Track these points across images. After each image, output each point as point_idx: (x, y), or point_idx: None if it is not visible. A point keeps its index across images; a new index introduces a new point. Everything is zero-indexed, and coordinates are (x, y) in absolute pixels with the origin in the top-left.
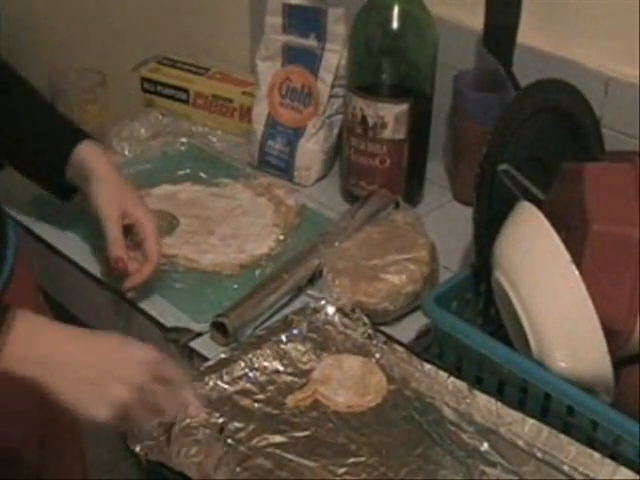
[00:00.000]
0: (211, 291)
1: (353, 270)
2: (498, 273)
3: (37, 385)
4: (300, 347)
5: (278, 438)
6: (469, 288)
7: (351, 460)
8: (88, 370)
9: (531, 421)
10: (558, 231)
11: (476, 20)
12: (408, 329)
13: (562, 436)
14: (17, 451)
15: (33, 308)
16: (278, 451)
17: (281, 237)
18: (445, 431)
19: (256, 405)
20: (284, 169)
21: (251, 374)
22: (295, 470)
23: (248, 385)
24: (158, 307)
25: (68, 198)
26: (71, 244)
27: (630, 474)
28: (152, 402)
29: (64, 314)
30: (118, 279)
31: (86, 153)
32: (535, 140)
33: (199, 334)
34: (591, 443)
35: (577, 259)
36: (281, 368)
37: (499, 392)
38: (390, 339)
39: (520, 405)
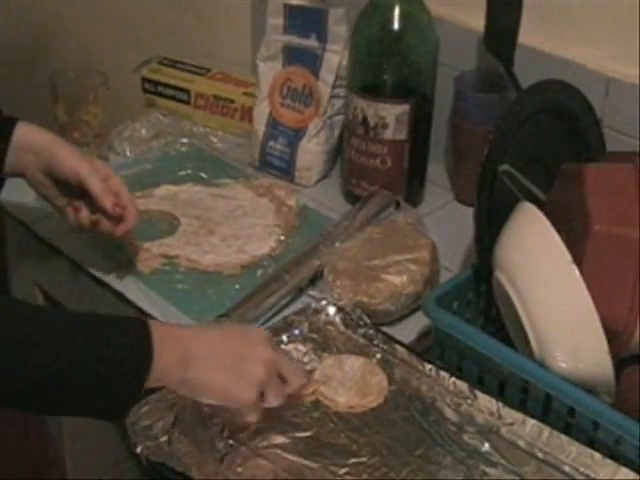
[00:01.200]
0: (212, 292)
1: (354, 270)
2: (499, 273)
3: (182, 389)
4: (301, 347)
5: (279, 438)
6: (470, 288)
7: (352, 460)
8: (224, 357)
9: (532, 421)
10: (559, 231)
11: (477, 21)
12: (409, 330)
13: (563, 436)
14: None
15: None
16: (279, 451)
17: (282, 237)
18: (446, 431)
19: None
20: (285, 170)
21: None
22: (296, 470)
23: None
24: (159, 308)
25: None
26: (71, 244)
27: (631, 474)
28: (282, 375)
29: None
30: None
31: (28, 131)
32: (536, 141)
33: None
34: (592, 443)
35: (578, 259)
36: None
37: (500, 392)
38: (391, 339)
39: (521, 405)
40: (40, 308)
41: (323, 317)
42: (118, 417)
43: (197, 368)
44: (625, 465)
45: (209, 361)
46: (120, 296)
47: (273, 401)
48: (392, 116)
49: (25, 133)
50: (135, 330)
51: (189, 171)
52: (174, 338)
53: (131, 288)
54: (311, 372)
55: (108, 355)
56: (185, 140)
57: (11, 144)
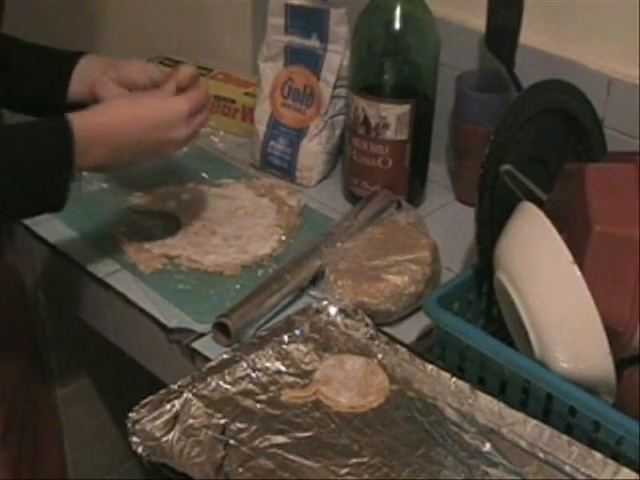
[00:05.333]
0: (213, 292)
1: (355, 271)
2: (500, 274)
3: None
4: (302, 348)
5: (280, 439)
6: (471, 289)
7: (353, 460)
8: (145, 145)
9: (533, 422)
10: (560, 231)
11: (478, 21)
12: (410, 330)
13: (564, 436)
14: None
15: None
16: (280, 452)
17: (283, 238)
18: (447, 432)
19: (258, 406)
20: (286, 170)
21: (253, 375)
22: (297, 471)
23: (250, 386)
24: (160, 308)
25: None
26: (71, 244)
27: (632, 474)
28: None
29: (64, 314)
30: None
31: (92, 59)
32: (537, 141)
33: (201, 335)
34: (593, 444)
35: (579, 259)
36: (283, 369)
37: (501, 392)
38: (392, 339)
39: (522, 406)
40: None
41: (324, 317)
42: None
43: (120, 157)
44: (626, 465)
45: (132, 149)
46: (121, 296)
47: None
48: (393, 116)
49: (87, 62)
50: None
51: (190, 171)
52: (97, 135)
53: (132, 288)
54: (312, 372)
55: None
56: None
57: (74, 72)
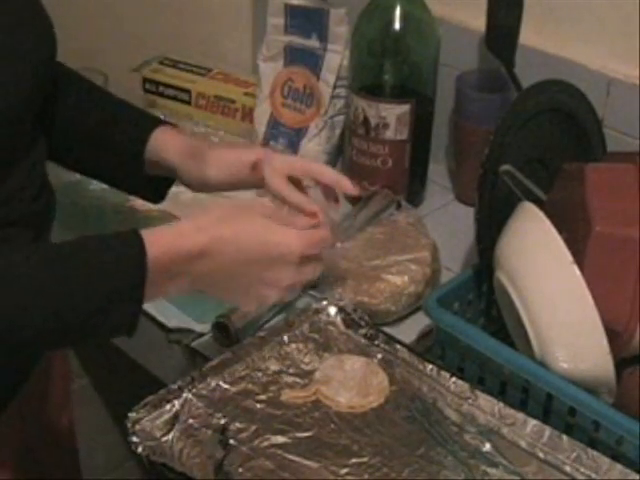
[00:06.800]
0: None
1: (355, 271)
2: (500, 274)
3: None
4: (302, 348)
5: (280, 439)
6: (471, 289)
7: (353, 460)
8: (237, 279)
9: (533, 421)
10: (560, 232)
11: (478, 21)
12: (410, 330)
13: (564, 436)
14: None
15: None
16: (280, 452)
17: None
18: (447, 432)
19: (258, 406)
20: None
21: (253, 375)
22: (297, 471)
23: (250, 386)
24: (160, 308)
25: (158, 198)
26: None
27: (632, 474)
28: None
29: None
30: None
31: (161, 140)
32: (537, 141)
33: (201, 335)
34: (593, 443)
35: (579, 260)
36: (283, 369)
37: (501, 393)
38: (392, 339)
39: (522, 406)
40: (37, 247)
41: (324, 317)
42: (130, 332)
43: (205, 287)
44: (626, 465)
45: (219, 284)
46: None
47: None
48: (393, 116)
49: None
50: (129, 250)
51: None
52: (173, 263)
53: None
54: (312, 372)
55: (104, 282)
56: None
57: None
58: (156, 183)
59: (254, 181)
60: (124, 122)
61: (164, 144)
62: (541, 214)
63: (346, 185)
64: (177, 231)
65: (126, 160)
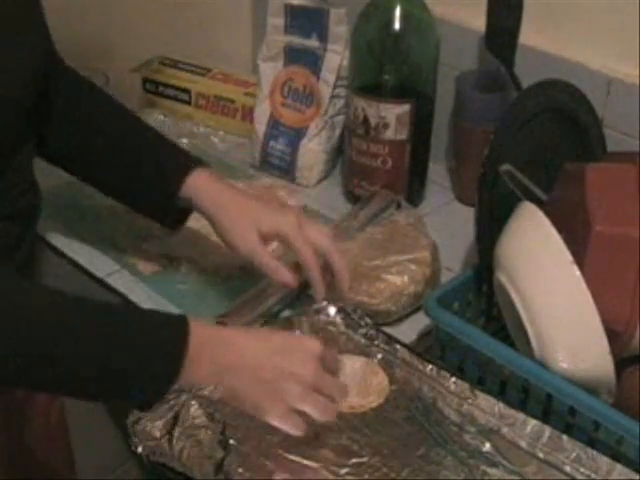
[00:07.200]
0: (213, 292)
1: (355, 271)
2: (500, 274)
3: (214, 394)
4: None
5: (280, 439)
6: (471, 289)
7: (353, 460)
8: (262, 371)
9: (533, 421)
10: (560, 232)
11: (478, 21)
12: (410, 330)
13: (564, 436)
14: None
15: None
16: (280, 452)
17: None
18: (447, 432)
19: None
20: (286, 170)
21: None
22: (297, 471)
23: None
24: (160, 308)
25: (177, 226)
26: (71, 244)
27: (632, 474)
28: (322, 393)
29: None
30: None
31: (195, 185)
32: (537, 141)
33: None
34: (593, 443)
35: (579, 260)
36: None
37: (501, 393)
38: (392, 339)
39: (522, 405)
40: (85, 299)
41: (324, 317)
42: (146, 406)
43: (231, 379)
44: (626, 465)
45: (245, 373)
46: (122, 297)
47: (317, 417)
48: (393, 116)
49: (191, 185)
50: (173, 333)
51: None
52: (212, 346)
53: (132, 288)
54: None
55: (141, 353)
56: (186, 141)
57: (180, 192)
58: (177, 214)
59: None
60: (161, 156)
61: (199, 192)
62: (541, 214)
63: (343, 284)
64: None
65: (157, 197)
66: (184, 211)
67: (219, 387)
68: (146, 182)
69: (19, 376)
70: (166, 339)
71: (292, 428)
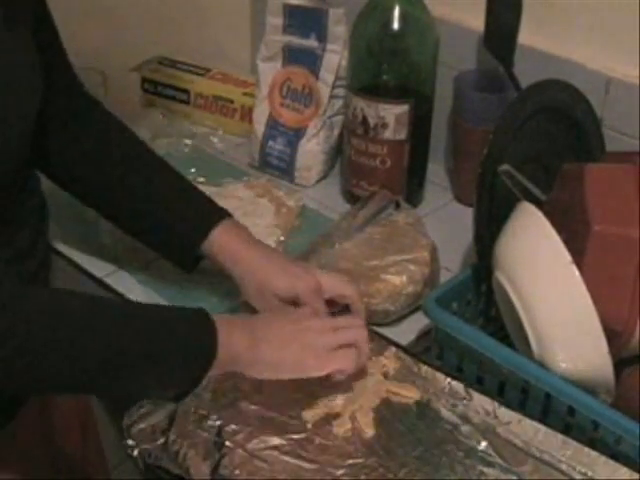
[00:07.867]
0: (213, 292)
1: (354, 271)
2: (499, 273)
3: (252, 371)
4: None
5: (276, 440)
6: (470, 289)
7: (349, 462)
8: (284, 334)
9: (528, 421)
10: (559, 232)
11: (477, 21)
12: (409, 330)
13: (559, 435)
14: (62, 443)
15: None
16: (276, 453)
17: (282, 238)
18: (442, 432)
19: (253, 408)
20: (285, 170)
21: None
22: (293, 472)
23: (246, 387)
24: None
25: (193, 268)
26: (70, 244)
27: (630, 473)
28: (347, 339)
29: None
30: None
31: (218, 242)
32: (536, 140)
33: None
34: (592, 443)
35: (578, 259)
36: None
37: (500, 392)
38: (387, 341)
39: (521, 405)
40: (106, 299)
41: None
42: (181, 397)
43: (266, 349)
44: (625, 464)
45: (274, 341)
46: (121, 296)
47: (353, 340)
48: (392, 116)
49: (217, 240)
50: (199, 319)
51: (190, 171)
52: (237, 324)
53: (131, 288)
54: None
55: (172, 344)
56: (185, 141)
57: (204, 244)
58: (194, 260)
59: None
60: (187, 205)
61: (222, 248)
62: (540, 214)
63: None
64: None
65: (178, 245)
66: (200, 257)
67: (257, 365)
68: (170, 230)
69: (60, 380)
70: (194, 322)
71: (339, 364)
